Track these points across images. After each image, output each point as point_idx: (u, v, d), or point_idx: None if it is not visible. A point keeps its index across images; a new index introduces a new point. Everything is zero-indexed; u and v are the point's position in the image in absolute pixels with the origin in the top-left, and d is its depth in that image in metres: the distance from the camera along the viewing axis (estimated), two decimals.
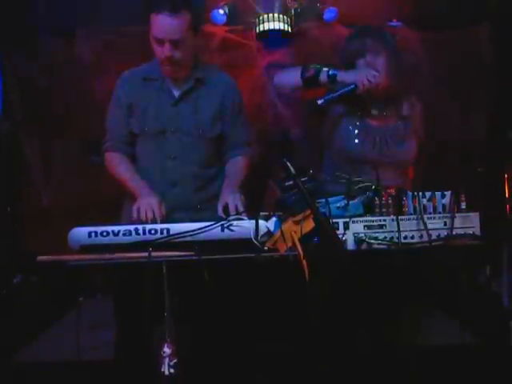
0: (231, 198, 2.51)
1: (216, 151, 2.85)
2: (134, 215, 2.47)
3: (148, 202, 2.49)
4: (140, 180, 2.71)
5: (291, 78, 2.84)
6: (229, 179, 2.76)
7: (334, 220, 2.14)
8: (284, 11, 5.10)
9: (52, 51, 4.95)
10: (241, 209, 2.40)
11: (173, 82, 2.78)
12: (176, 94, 2.78)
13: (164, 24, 2.57)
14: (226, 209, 2.46)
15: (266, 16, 5.04)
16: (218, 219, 2.14)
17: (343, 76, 2.76)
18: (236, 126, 2.86)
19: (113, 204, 3.23)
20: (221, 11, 5.08)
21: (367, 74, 2.72)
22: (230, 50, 5.06)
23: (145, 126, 2.76)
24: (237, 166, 2.83)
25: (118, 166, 2.80)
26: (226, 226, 2.10)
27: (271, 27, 5.01)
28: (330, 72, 2.77)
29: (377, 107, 2.91)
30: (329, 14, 5.16)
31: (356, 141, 2.86)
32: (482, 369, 3.09)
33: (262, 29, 5.06)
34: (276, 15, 5.04)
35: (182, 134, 2.75)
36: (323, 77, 2.77)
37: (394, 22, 5.23)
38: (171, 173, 2.75)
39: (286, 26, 5.06)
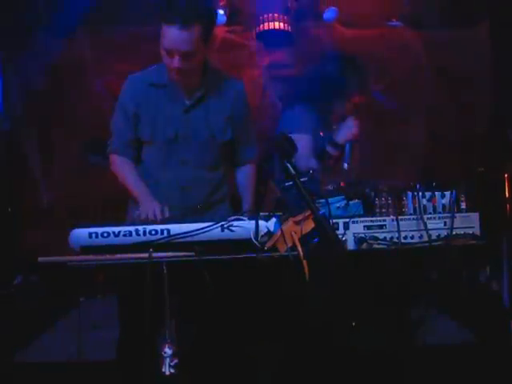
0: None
1: (223, 154, 2.84)
2: (137, 221, 2.46)
3: (150, 208, 2.48)
4: (143, 186, 2.69)
5: (308, 162, 3.01)
6: (246, 198, 2.84)
7: (334, 220, 2.14)
8: (284, 11, 5.11)
9: (52, 51, 4.95)
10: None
11: (183, 88, 2.72)
12: (187, 101, 2.73)
13: (175, 37, 2.51)
14: None
15: (265, 16, 5.04)
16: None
17: (340, 138, 3.03)
18: (246, 131, 2.86)
19: (114, 204, 3.23)
20: (221, 11, 5.09)
21: (354, 126, 3.02)
22: (229, 51, 5.07)
23: (154, 133, 2.72)
24: (250, 178, 2.89)
25: (122, 170, 2.77)
26: (226, 226, 2.10)
27: (271, 27, 5.02)
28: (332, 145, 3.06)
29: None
30: (328, 13, 5.17)
31: None
32: (483, 368, 3.09)
33: (261, 29, 5.07)
34: (276, 15, 5.04)
35: (193, 141, 2.72)
36: (330, 149, 3.06)
37: (394, 22, 5.24)
38: (181, 178, 2.73)
39: (285, 25, 5.07)
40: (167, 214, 2.44)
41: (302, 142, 2.93)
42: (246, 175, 2.90)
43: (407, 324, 2.63)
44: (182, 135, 2.71)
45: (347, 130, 3.02)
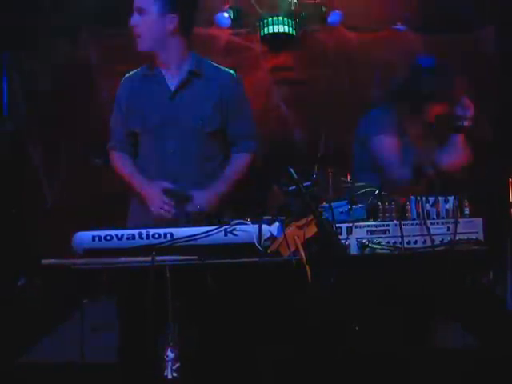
0: (204, 196, 2.62)
1: (216, 145, 2.84)
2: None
3: (157, 202, 2.62)
4: (140, 178, 2.77)
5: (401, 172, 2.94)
6: (222, 178, 2.79)
7: (337, 225, 2.14)
8: (288, 14, 5.12)
9: (56, 53, 4.97)
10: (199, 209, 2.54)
11: (167, 75, 2.79)
12: (172, 87, 2.78)
13: None
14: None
15: (270, 19, 5.05)
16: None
17: (447, 161, 2.96)
18: (238, 120, 2.84)
19: (116, 205, 3.24)
20: (225, 14, 5.11)
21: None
22: (234, 53, 5.08)
23: (145, 122, 2.77)
24: (237, 164, 2.85)
25: (120, 165, 2.87)
26: (229, 230, 2.10)
27: (275, 30, 5.03)
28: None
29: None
30: (333, 17, 5.18)
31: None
32: (485, 372, 3.08)
33: (266, 32, 5.08)
34: (280, 18, 5.05)
35: (179, 129, 2.74)
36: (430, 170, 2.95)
37: (399, 26, 5.24)
38: (171, 168, 2.75)
39: (290, 29, 5.08)
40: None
41: (389, 143, 2.97)
42: (234, 161, 2.86)
43: (413, 328, 2.63)
44: (168, 122, 2.73)
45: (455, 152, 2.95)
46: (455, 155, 2.95)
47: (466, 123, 2.98)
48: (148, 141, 2.79)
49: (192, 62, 2.80)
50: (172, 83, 2.78)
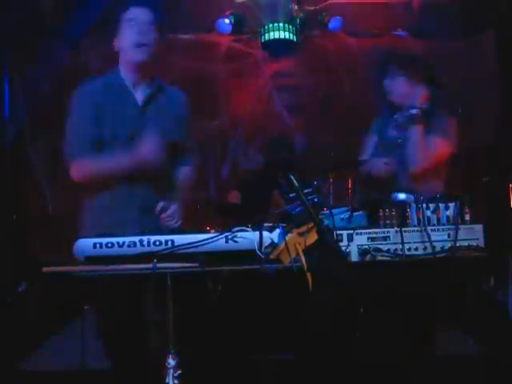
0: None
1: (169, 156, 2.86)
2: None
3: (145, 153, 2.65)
4: (125, 154, 2.73)
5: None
6: (181, 191, 2.86)
7: (338, 232, 2.15)
8: (289, 20, 5.13)
9: (58, 57, 4.98)
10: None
11: (134, 88, 2.82)
12: (139, 100, 2.81)
13: None
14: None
15: (271, 25, 5.06)
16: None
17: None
18: (185, 136, 2.93)
19: None
20: (226, 21, 5.12)
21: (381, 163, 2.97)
22: (235, 60, 5.09)
23: (114, 132, 2.77)
24: (186, 179, 2.93)
25: (94, 163, 2.77)
26: (230, 237, 2.10)
27: (276, 36, 5.04)
28: None
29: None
30: (334, 23, 5.18)
31: None
32: (487, 380, 3.08)
33: (267, 38, 5.09)
34: (281, 24, 5.06)
35: None
36: None
37: (399, 32, 5.25)
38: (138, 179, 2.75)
39: (291, 35, 5.09)
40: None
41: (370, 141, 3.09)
42: (183, 175, 2.93)
43: (414, 334, 2.63)
44: (137, 135, 2.75)
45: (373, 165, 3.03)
46: (415, 150, 2.92)
47: (414, 112, 2.94)
48: (117, 151, 2.76)
49: (158, 78, 2.88)
50: (139, 97, 2.82)
